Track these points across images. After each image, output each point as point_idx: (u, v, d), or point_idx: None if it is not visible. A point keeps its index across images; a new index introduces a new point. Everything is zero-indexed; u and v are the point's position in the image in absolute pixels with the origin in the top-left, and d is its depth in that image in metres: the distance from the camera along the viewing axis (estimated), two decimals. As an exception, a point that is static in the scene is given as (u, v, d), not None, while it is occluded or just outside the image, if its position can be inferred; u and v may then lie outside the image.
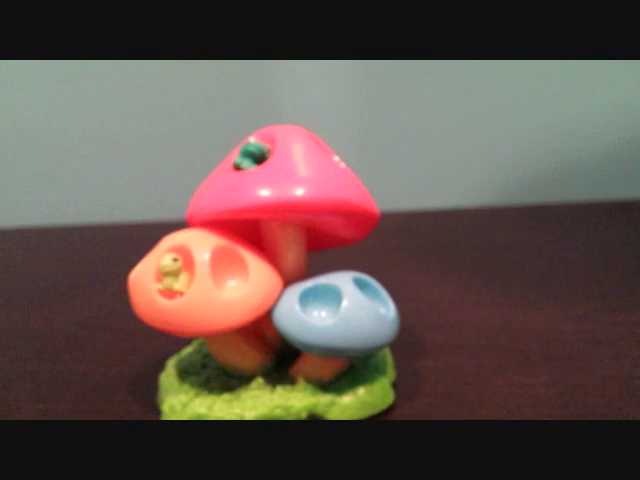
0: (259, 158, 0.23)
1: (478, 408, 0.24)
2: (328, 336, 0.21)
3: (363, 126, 0.53)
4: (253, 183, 0.22)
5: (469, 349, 0.29)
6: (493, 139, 0.53)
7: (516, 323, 0.31)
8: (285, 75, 0.52)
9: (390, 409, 0.24)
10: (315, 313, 0.23)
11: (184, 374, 0.25)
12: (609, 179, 0.53)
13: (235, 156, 0.23)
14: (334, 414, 0.23)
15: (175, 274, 0.21)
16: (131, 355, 0.30)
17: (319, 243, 0.27)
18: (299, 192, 0.22)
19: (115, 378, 0.28)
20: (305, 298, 0.23)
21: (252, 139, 0.24)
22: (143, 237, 0.34)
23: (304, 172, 0.22)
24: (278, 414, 0.22)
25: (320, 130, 0.29)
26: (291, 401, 0.23)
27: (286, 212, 0.22)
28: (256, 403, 0.23)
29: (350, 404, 0.23)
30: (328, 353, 0.22)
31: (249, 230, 0.25)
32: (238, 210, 0.22)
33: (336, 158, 0.24)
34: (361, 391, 0.23)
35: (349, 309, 0.22)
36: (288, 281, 0.24)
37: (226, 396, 0.23)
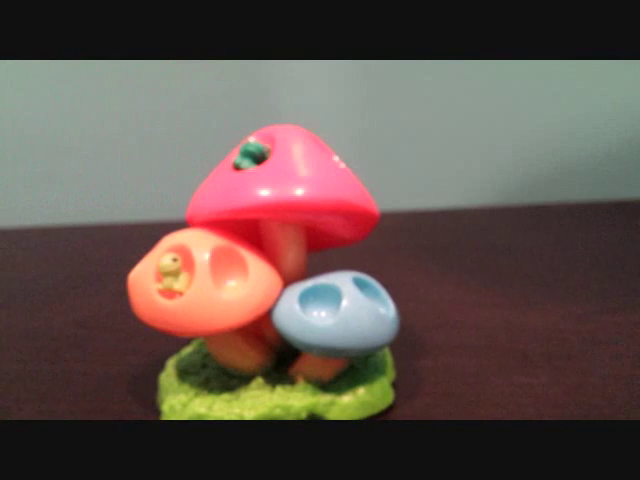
0: (259, 158, 0.23)
1: (478, 408, 0.24)
2: (328, 336, 0.21)
3: (363, 126, 0.53)
4: (253, 183, 0.22)
5: (469, 349, 0.29)
6: (493, 139, 0.53)
7: (516, 323, 0.31)
8: (285, 75, 0.52)
9: (390, 409, 0.24)
10: (315, 313, 0.23)
11: (184, 374, 0.25)
12: (609, 179, 0.53)
13: (235, 156, 0.23)
14: (334, 414, 0.23)
15: (175, 274, 0.21)
16: (131, 355, 0.30)
17: (319, 243, 0.27)
18: (299, 192, 0.22)
19: (115, 378, 0.28)
20: (305, 298, 0.23)
21: (252, 139, 0.24)
22: (143, 237, 0.34)
23: (304, 172, 0.22)
24: (278, 414, 0.22)
25: (320, 130, 0.29)
26: (291, 401, 0.23)
27: (286, 212, 0.22)
28: (256, 403, 0.23)
29: (350, 404, 0.23)
30: (328, 353, 0.22)
31: (249, 230, 0.25)
32: (238, 210, 0.22)
33: (336, 158, 0.24)
34: (361, 391, 0.23)
35: (349, 309, 0.22)
36: (288, 281, 0.24)
37: (226, 396, 0.23)
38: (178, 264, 0.21)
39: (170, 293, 0.21)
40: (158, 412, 0.24)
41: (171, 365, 0.26)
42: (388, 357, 0.26)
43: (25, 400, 0.26)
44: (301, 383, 0.23)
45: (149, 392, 0.26)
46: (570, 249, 0.41)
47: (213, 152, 0.35)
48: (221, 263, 0.22)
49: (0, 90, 0.54)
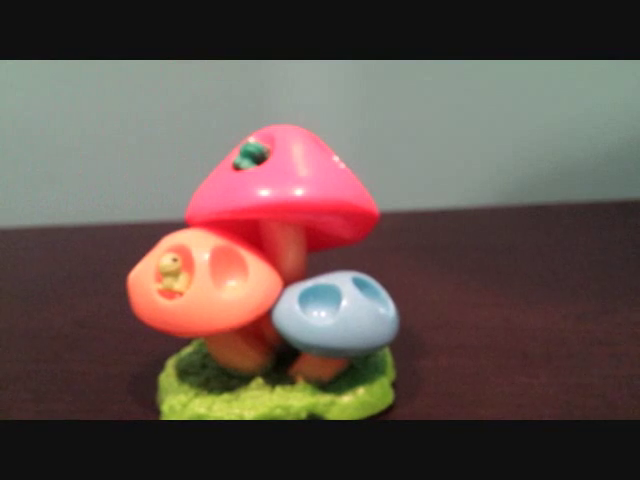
0: (259, 158, 0.23)
1: (478, 408, 0.24)
2: (327, 336, 0.21)
3: (363, 126, 0.53)
4: (253, 183, 0.22)
5: (469, 349, 0.29)
6: (493, 139, 0.53)
7: (516, 323, 0.31)
8: (285, 75, 0.52)
9: (390, 409, 0.24)
10: (315, 313, 0.23)
11: (184, 374, 0.25)
12: (609, 179, 0.53)
13: (235, 156, 0.23)
14: (334, 414, 0.23)
15: (175, 274, 0.21)
16: (131, 355, 0.30)
17: (319, 243, 0.27)
18: (299, 192, 0.22)
19: (115, 378, 0.28)
20: (305, 298, 0.23)
21: (252, 139, 0.24)
22: (143, 237, 0.34)
23: (304, 172, 0.22)
24: (278, 414, 0.22)
25: (320, 130, 0.29)
26: (291, 401, 0.23)
27: (286, 212, 0.22)
28: (256, 403, 0.23)
29: (350, 404, 0.23)
30: (327, 353, 0.22)
31: (249, 230, 0.25)
32: (238, 210, 0.22)
33: (336, 158, 0.24)
34: (361, 391, 0.23)
35: (348, 309, 0.22)
36: (288, 281, 0.24)
37: (226, 396, 0.23)
38: (178, 264, 0.21)
39: (170, 293, 0.21)
40: (158, 412, 0.24)
41: (171, 365, 0.26)
42: (388, 357, 0.26)
43: (25, 400, 0.26)
44: (301, 383, 0.23)
45: (149, 392, 0.26)
46: (570, 249, 0.41)
47: (213, 152, 0.35)
48: (221, 263, 0.22)
49: (0, 90, 0.54)
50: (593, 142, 0.53)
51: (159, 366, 0.27)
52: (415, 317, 0.32)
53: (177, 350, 0.28)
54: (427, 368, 0.27)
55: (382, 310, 0.23)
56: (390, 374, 0.25)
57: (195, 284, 0.21)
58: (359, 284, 0.23)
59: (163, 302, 0.21)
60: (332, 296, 0.22)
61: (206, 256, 0.22)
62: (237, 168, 0.23)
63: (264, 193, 0.22)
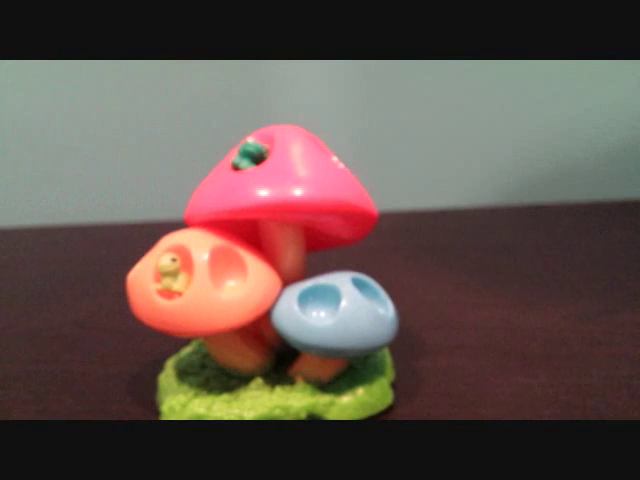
0: (258, 158, 0.23)
1: (477, 408, 0.24)
2: (327, 336, 0.21)
3: (363, 126, 0.53)
4: (252, 183, 0.22)
5: (468, 349, 0.29)
6: (493, 139, 0.53)
7: (515, 323, 0.31)
8: (285, 75, 0.52)
9: (389, 409, 0.24)
10: (314, 313, 0.23)
11: (183, 374, 0.25)
12: (609, 179, 0.53)
13: (234, 156, 0.23)
14: (333, 414, 0.23)
15: (174, 274, 0.21)
16: (130, 355, 0.30)
17: (318, 243, 0.27)
18: (298, 192, 0.22)
19: (114, 378, 0.28)
20: (304, 298, 0.23)
21: (251, 139, 0.24)
22: (143, 237, 0.34)
23: (303, 172, 0.22)
24: (277, 414, 0.22)
25: (320, 130, 0.29)
26: (290, 401, 0.23)
27: (285, 212, 0.22)
28: (255, 403, 0.23)
29: (349, 404, 0.23)
30: (327, 353, 0.22)
31: (248, 230, 0.25)
32: (237, 210, 0.22)
33: (335, 158, 0.24)
34: (360, 391, 0.23)
35: (348, 309, 0.22)
36: (287, 281, 0.24)
37: (225, 396, 0.23)
38: (177, 264, 0.21)
39: (169, 293, 0.21)
40: (157, 412, 0.24)
41: (170, 365, 0.26)
42: (387, 357, 0.26)
43: (25, 400, 0.26)
44: (300, 383, 0.23)
45: (148, 392, 0.26)
46: (570, 249, 0.41)
47: (212, 152, 0.35)
48: (220, 263, 0.22)
49: (0, 90, 0.54)
50: (593, 142, 0.53)
51: (158, 366, 0.27)
52: (414, 317, 0.32)
53: (176, 350, 0.28)
54: (426, 368, 0.27)
55: (381, 310, 0.23)
56: (389, 374, 0.25)
57: (194, 284, 0.21)
58: (358, 284, 0.23)
59: (162, 302, 0.21)
60: (331, 296, 0.22)
61: (205, 256, 0.22)
62: (236, 168, 0.23)
63: (263, 193, 0.22)
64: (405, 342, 0.29)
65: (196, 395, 0.23)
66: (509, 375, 0.26)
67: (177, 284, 0.21)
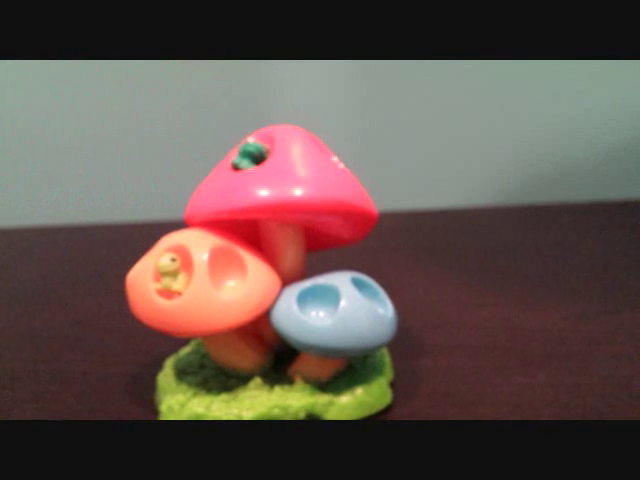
0: (258, 158, 0.23)
1: (477, 408, 0.24)
2: (326, 336, 0.21)
3: (363, 126, 0.53)
4: (252, 183, 0.22)
5: (468, 349, 0.28)
6: (493, 139, 0.53)
7: (515, 323, 0.31)
8: (285, 75, 0.52)
9: (388, 409, 0.24)
10: (313, 313, 0.23)
11: (182, 374, 0.25)
12: (609, 179, 0.53)
13: (234, 156, 0.23)
14: (332, 414, 0.23)
15: (173, 274, 0.21)
16: (129, 355, 0.30)
17: (318, 243, 0.27)
18: (298, 192, 0.22)
19: (113, 378, 0.28)
20: (303, 298, 0.23)
21: (251, 139, 0.24)
22: (143, 237, 0.34)
23: (303, 172, 0.22)
24: (276, 414, 0.22)
25: (320, 130, 0.29)
26: (289, 401, 0.23)
27: (285, 212, 0.22)
28: (254, 403, 0.23)
29: (348, 404, 0.23)
30: (326, 353, 0.22)
31: (248, 230, 0.25)
32: (237, 210, 0.22)
33: (335, 158, 0.24)
34: (359, 391, 0.23)
35: (347, 309, 0.22)
36: (286, 281, 0.24)
37: (224, 396, 0.23)
38: (177, 264, 0.21)
39: (168, 293, 0.21)
40: (156, 412, 0.24)
41: (169, 365, 0.26)
42: (386, 357, 0.26)
43: (25, 400, 0.26)
44: (299, 383, 0.23)
45: (147, 392, 0.26)
46: (570, 249, 0.41)
47: (212, 152, 0.35)
48: (220, 263, 0.22)
49: (0, 90, 0.54)
50: (593, 142, 0.53)
51: (158, 366, 0.27)
52: (414, 317, 0.32)
53: (175, 350, 0.28)
54: (426, 368, 0.27)
55: (381, 310, 0.23)
56: (388, 374, 0.25)
57: (194, 284, 0.21)
58: (358, 284, 0.23)
59: (162, 302, 0.21)
60: (331, 296, 0.22)
61: (205, 256, 0.22)
62: (236, 168, 0.23)
63: (263, 193, 0.22)
64: (404, 342, 0.29)
65: (195, 395, 0.23)
66: (509, 375, 0.26)
67: (177, 284, 0.21)
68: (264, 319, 0.23)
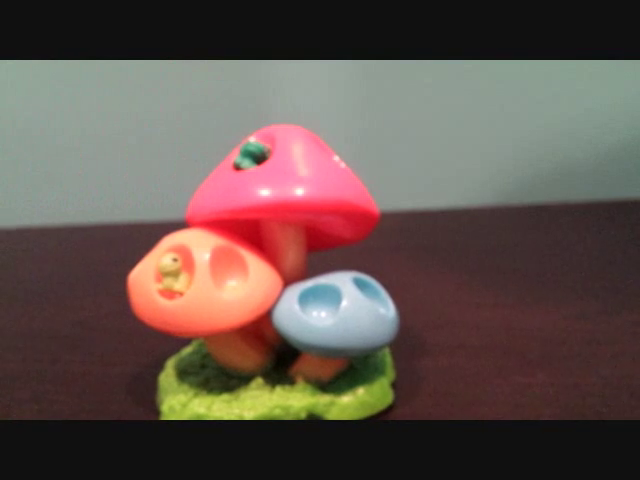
0: (259, 158, 0.23)
1: (478, 408, 0.24)
2: (327, 336, 0.21)
3: (363, 126, 0.53)
4: (253, 183, 0.22)
5: (469, 349, 0.29)
6: (493, 139, 0.53)
7: (516, 323, 0.31)
8: (285, 75, 0.52)
9: (389, 409, 0.24)
10: (315, 313, 0.23)
11: (183, 374, 0.25)
12: (609, 179, 0.53)
13: (235, 156, 0.23)
14: (333, 414, 0.23)
15: (175, 274, 0.21)
16: (130, 355, 0.30)
17: (319, 243, 0.27)
18: (299, 192, 0.22)
19: (114, 378, 0.28)
20: (305, 298, 0.23)
21: (252, 139, 0.24)
22: (143, 237, 0.34)
23: (304, 172, 0.22)
24: (277, 414, 0.22)
25: (319, 130, 0.29)
26: (290, 401, 0.23)
27: (286, 212, 0.22)
28: (255, 403, 0.23)
29: (349, 404, 0.23)
30: (327, 353, 0.22)
31: (249, 230, 0.25)
32: (238, 210, 0.22)
33: (336, 158, 0.24)
34: (360, 391, 0.23)
35: (348, 309, 0.22)
36: (288, 281, 0.24)
37: (225, 396, 0.23)
38: (178, 264, 0.21)
39: (170, 293, 0.21)
40: (157, 412, 0.24)
41: (171, 365, 0.26)
42: (388, 357, 0.26)
43: (25, 400, 0.26)
44: (301, 383, 0.23)
45: (148, 392, 0.26)
46: (570, 249, 0.41)
47: (213, 152, 0.35)
48: (221, 263, 0.22)
49: (0, 90, 0.54)
50: (593, 142, 0.53)
51: (159, 366, 0.27)
52: (415, 317, 0.32)
53: (177, 350, 0.28)
54: (427, 368, 0.27)
55: (382, 310, 0.23)
56: (390, 374, 0.25)
57: (195, 284, 0.21)
58: (359, 284, 0.23)
59: (163, 302, 0.21)
60: (332, 296, 0.22)
61: (206, 256, 0.22)
62: (238, 168, 0.23)
63: (264, 193, 0.22)
64: (406, 342, 0.29)
65: (196, 395, 0.23)
66: (509, 375, 0.26)
67: (178, 284, 0.21)
68: (265, 319, 0.23)
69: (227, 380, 0.24)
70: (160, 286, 0.22)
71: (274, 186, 0.22)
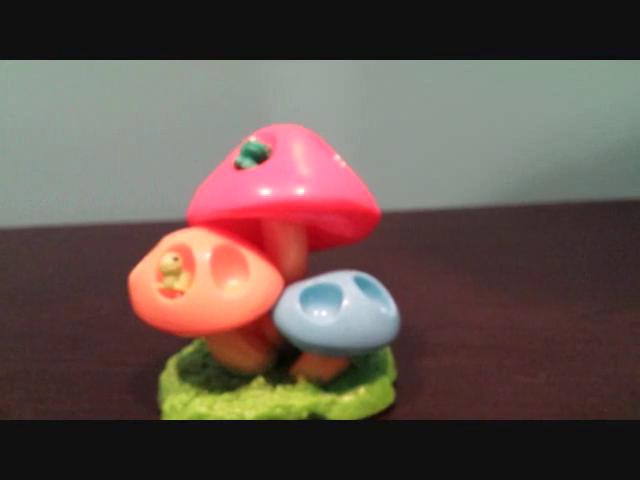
0: (260, 157, 0.23)
1: (479, 408, 0.24)
2: (329, 335, 0.21)
3: (363, 126, 0.53)
4: (254, 182, 0.22)
5: (470, 348, 0.29)
6: (493, 139, 0.53)
7: (517, 323, 0.31)
8: (285, 75, 0.52)
9: (391, 409, 0.24)
10: (316, 312, 0.23)
11: (185, 374, 0.25)
12: (609, 179, 0.53)
13: (236, 155, 0.23)
14: (334, 414, 0.23)
15: (176, 273, 0.21)
16: (131, 355, 0.30)
17: (320, 242, 0.27)
18: (300, 191, 0.22)
19: (115, 378, 0.27)
20: (306, 297, 0.23)
21: (253, 138, 0.24)
22: (143, 237, 0.34)
23: (305, 171, 0.22)
24: (278, 414, 0.22)
25: (320, 130, 0.29)
26: (291, 400, 0.23)
27: (287, 211, 0.22)
28: (256, 402, 0.22)
29: (350, 403, 0.23)
30: (328, 352, 0.22)
31: (250, 229, 0.25)
32: (239, 209, 0.22)
33: (337, 157, 0.24)
34: (361, 391, 0.23)
35: (350, 308, 0.22)
36: (289, 280, 0.24)
37: (226, 395, 0.23)
38: (179, 263, 0.21)
39: (171, 292, 0.21)
40: (159, 412, 0.24)
41: (172, 365, 0.26)
42: (389, 356, 0.26)
43: (25, 400, 0.26)
44: (302, 383, 0.23)
45: (150, 392, 0.26)
46: (570, 249, 0.41)
47: (213, 152, 0.35)
48: (222, 262, 0.22)
49: (0, 90, 0.54)
50: (593, 142, 0.53)
51: (160, 365, 0.27)
52: (417, 316, 0.32)
53: (178, 349, 0.28)
54: (428, 368, 0.27)
55: (383, 309, 0.23)
56: (391, 373, 0.25)
57: (196, 283, 0.21)
58: (360, 283, 0.23)
59: (164, 301, 0.21)
60: (333, 295, 0.22)
61: (207, 255, 0.22)
62: (238, 167, 0.23)
63: (265, 192, 0.22)
64: (407, 341, 0.29)
65: (197, 394, 0.23)
66: (511, 375, 0.26)
67: (179, 283, 0.21)
68: (266, 318, 0.23)
69: (228, 379, 0.24)
70: (161, 285, 0.22)
71: (275, 185, 0.22)
